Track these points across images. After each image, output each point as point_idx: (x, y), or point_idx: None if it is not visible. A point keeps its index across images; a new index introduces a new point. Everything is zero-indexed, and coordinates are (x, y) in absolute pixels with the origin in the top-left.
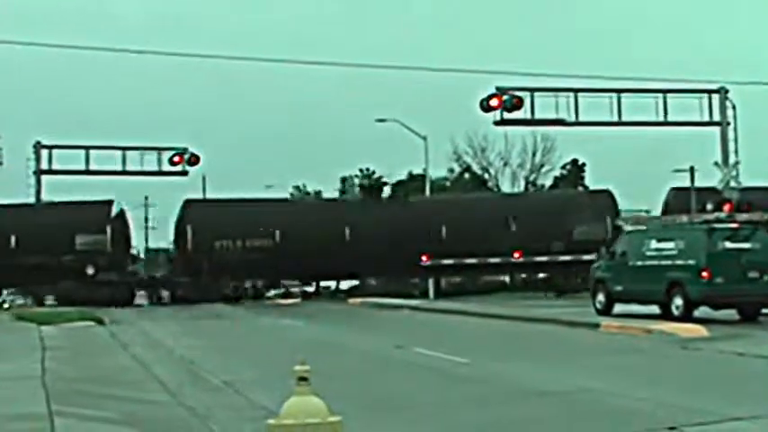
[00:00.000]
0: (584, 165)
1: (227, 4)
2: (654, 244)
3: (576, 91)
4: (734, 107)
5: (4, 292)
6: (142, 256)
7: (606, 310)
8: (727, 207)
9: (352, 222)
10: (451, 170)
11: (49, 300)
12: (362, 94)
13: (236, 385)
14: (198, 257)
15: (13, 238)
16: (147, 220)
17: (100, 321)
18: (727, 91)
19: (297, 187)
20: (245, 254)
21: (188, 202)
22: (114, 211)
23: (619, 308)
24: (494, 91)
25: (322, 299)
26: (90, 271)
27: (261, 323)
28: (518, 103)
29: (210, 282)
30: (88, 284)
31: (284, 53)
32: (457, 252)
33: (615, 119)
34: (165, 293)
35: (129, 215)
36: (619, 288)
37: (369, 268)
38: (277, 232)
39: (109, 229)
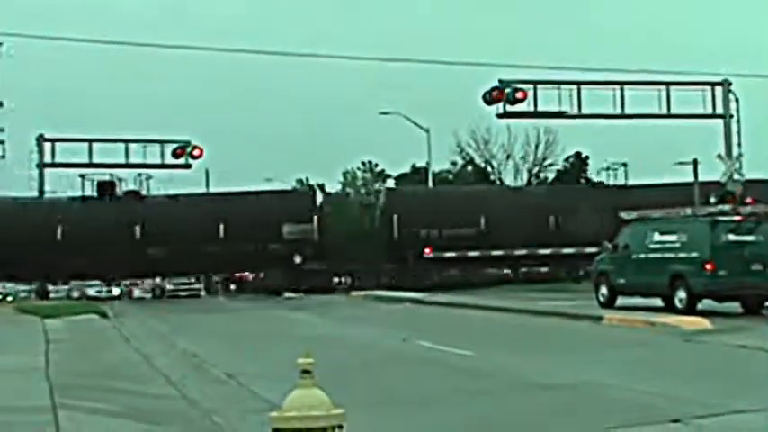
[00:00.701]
0: (587, 158)
1: None
2: (657, 236)
3: (579, 84)
4: (737, 100)
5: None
6: None
7: (609, 303)
8: (730, 200)
9: (556, 209)
10: (454, 163)
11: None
12: (365, 87)
13: (240, 378)
14: (404, 246)
15: (221, 227)
16: None
17: (103, 314)
18: (730, 83)
19: (299, 180)
20: (451, 242)
21: (391, 191)
22: (319, 199)
23: (621, 300)
24: (496, 84)
25: (316, 293)
26: (297, 260)
27: (263, 316)
28: (521, 96)
29: (417, 270)
30: (295, 273)
31: (286, 46)
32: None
33: (618, 111)
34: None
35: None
36: (622, 281)
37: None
38: (482, 220)
39: (315, 219)
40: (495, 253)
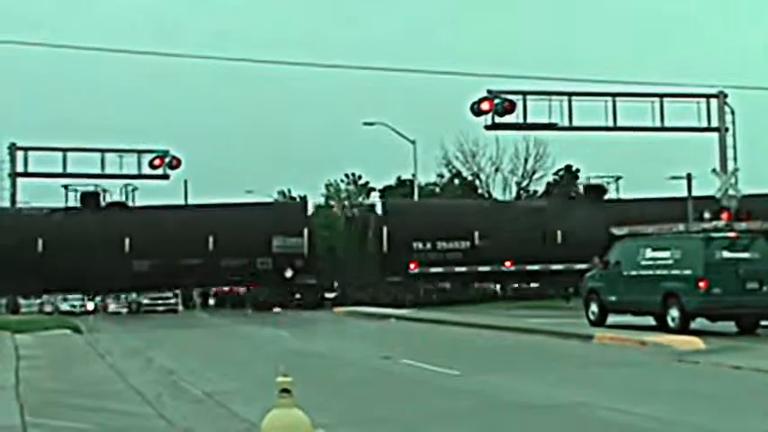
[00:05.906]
0: (578, 171)
1: (210, 6)
2: (649, 253)
3: (570, 95)
4: (732, 112)
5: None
6: None
7: (600, 321)
8: (725, 216)
9: (552, 224)
10: (441, 175)
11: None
12: (349, 97)
13: (217, 396)
14: (395, 260)
15: (210, 239)
16: None
17: (77, 329)
18: (726, 95)
19: (281, 192)
20: (442, 256)
21: (385, 204)
22: (310, 210)
23: (612, 319)
24: (485, 94)
25: (306, 308)
26: (288, 274)
27: (242, 332)
28: (510, 107)
29: (408, 285)
30: (284, 287)
31: (270, 54)
32: None
33: (610, 124)
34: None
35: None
36: (613, 298)
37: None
38: (475, 234)
39: (306, 232)
40: (481, 269)
